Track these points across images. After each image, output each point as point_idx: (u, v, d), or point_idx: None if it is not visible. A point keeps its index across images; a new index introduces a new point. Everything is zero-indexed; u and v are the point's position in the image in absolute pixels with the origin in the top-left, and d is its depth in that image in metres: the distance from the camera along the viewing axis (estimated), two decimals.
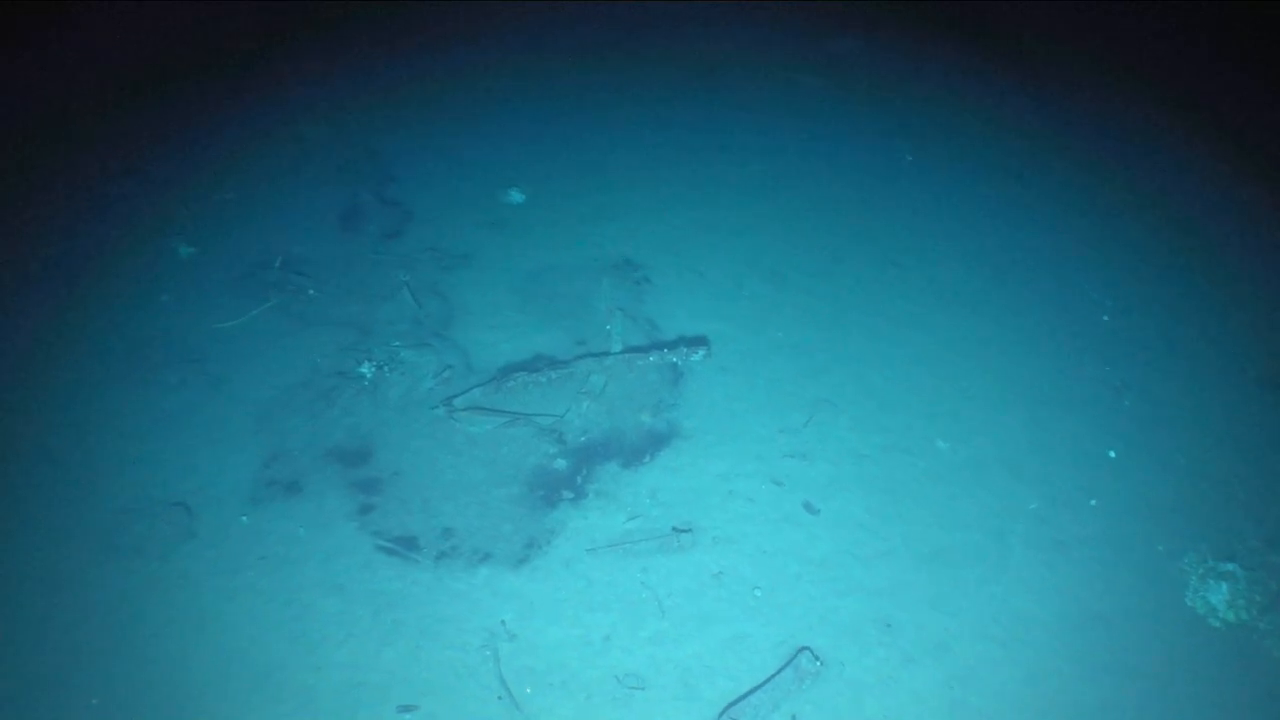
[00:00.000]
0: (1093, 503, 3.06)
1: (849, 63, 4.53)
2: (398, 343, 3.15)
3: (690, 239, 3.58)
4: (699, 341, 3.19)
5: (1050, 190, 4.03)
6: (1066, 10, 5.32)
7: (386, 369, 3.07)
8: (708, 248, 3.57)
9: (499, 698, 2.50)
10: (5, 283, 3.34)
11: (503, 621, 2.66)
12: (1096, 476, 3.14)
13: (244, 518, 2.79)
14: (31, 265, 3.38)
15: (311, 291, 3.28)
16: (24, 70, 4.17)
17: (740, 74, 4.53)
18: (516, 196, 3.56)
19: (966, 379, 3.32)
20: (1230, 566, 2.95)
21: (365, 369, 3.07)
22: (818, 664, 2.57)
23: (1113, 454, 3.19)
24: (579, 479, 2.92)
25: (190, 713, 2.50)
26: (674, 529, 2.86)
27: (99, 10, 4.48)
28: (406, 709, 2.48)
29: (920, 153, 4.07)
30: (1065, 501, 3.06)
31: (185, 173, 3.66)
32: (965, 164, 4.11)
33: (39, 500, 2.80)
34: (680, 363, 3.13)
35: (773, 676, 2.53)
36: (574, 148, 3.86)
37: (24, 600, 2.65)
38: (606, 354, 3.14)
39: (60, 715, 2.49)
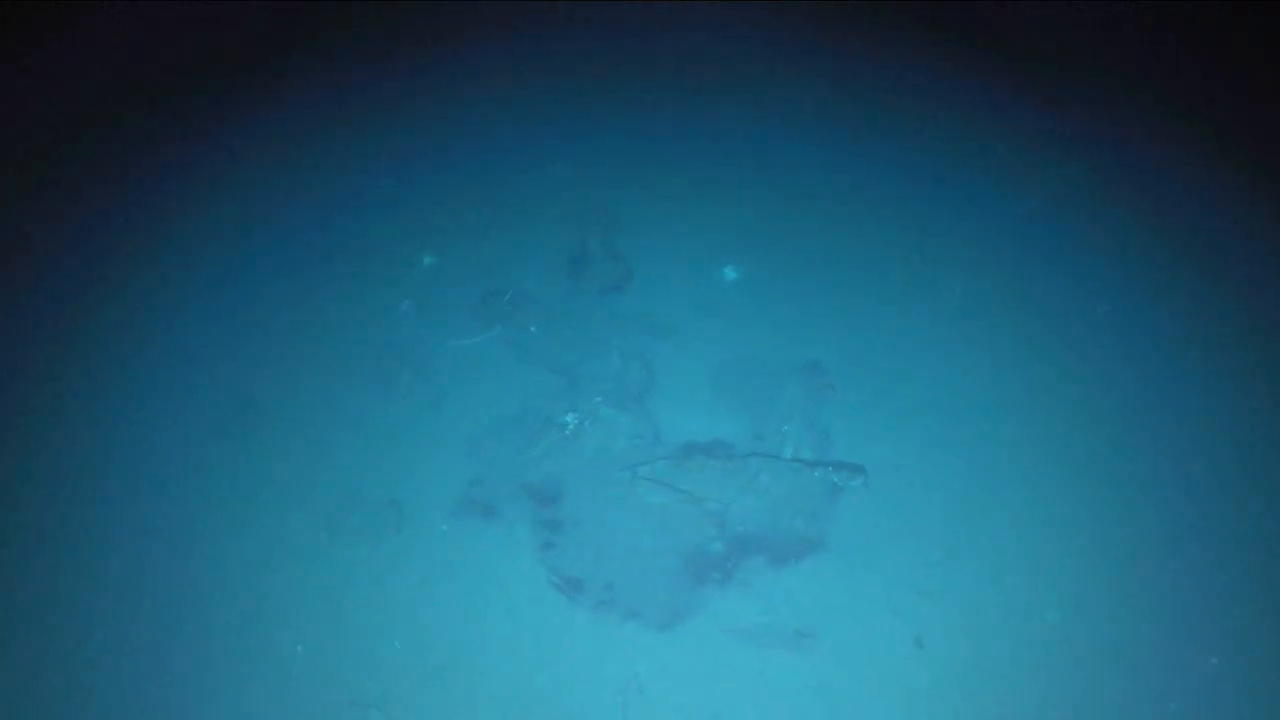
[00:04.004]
0: (1173, 705, 3.33)
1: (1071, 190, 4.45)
2: (599, 399, 3.50)
3: (878, 352, 3.77)
4: (860, 469, 3.46)
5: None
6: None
7: (587, 423, 3.44)
8: (893, 362, 3.76)
9: None
10: (276, 266, 3.76)
11: (636, 675, 3.13)
12: (1188, 682, 3.37)
13: (444, 526, 3.27)
14: (292, 252, 3.78)
15: (533, 329, 3.63)
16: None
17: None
18: (730, 273, 3.77)
19: (1098, 562, 3.50)
20: None
21: (569, 418, 3.45)
22: None
23: (1215, 660, 3.40)
24: (729, 565, 3.30)
25: (373, 683, 3.07)
26: (797, 632, 3.24)
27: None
28: None
29: (1117, 303, 4.08)
30: (1149, 699, 3.33)
31: (435, 176, 3.94)
32: (1170, 322, 4.02)
33: (279, 478, 3.35)
34: (840, 483, 3.42)
35: None
36: (788, 221, 3.99)
37: (260, 559, 3.22)
38: (778, 457, 3.45)
39: (272, 651, 3.09)
